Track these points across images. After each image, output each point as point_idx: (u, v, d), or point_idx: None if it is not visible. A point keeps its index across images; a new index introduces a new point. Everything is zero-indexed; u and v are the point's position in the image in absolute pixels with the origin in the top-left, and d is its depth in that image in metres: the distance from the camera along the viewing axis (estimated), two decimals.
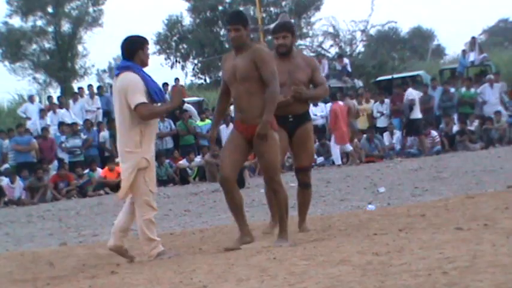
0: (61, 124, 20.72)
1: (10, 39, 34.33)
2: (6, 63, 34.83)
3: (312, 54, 31.59)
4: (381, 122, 21.87)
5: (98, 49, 44.66)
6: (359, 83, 27.84)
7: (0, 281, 6.27)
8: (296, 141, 7.20)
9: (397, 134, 21.11)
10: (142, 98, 6.37)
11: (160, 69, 35.73)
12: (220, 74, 6.80)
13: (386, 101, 22.07)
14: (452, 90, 22.48)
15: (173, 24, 37.82)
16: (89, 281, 5.46)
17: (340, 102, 20.02)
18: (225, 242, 6.89)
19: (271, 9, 37.77)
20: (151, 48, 24.32)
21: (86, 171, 19.45)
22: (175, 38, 37.88)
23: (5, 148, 20.20)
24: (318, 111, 21.23)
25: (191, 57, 37.84)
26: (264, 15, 32.98)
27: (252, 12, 33.48)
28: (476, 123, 21.05)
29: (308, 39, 37.46)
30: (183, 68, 37.81)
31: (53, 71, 34.86)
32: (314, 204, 9.07)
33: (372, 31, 37.60)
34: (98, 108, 22.56)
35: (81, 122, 21.31)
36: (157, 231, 6.63)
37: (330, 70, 26.93)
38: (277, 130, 6.50)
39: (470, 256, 4.36)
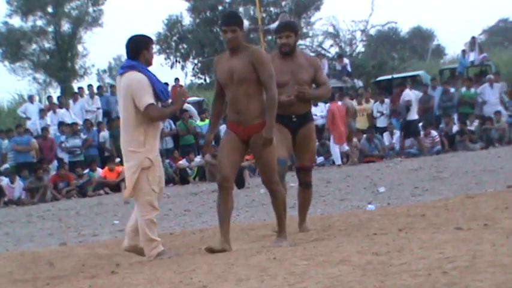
0: (61, 124, 20.73)
1: (10, 39, 34.33)
2: (6, 63, 34.84)
3: (312, 54, 31.57)
4: (381, 122, 21.88)
5: (98, 49, 44.70)
6: (359, 83, 27.84)
7: (0, 281, 6.27)
8: (299, 141, 7.19)
9: (397, 134, 21.12)
10: (151, 99, 6.39)
11: (160, 69, 35.75)
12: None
13: (386, 101, 22.08)
14: (452, 90, 22.48)
15: (173, 24, 37.83)
16: (89, 281, 5.46)
17: (339, 103, 20.04)
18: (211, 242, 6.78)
19: (271, 9, 37.77)
20: None
21: (86, 171, 19.45)
22: (175, 38, 37.89)
23: (4, 148, 20.21)
24: (318, 111, 21.24)
25: (191, 57, 37.85)
26: (264, 15, 32.98)
27: (252, 12, 33.52)
28: (476, 123, 21.06)
29: (308, 39, 37.47)
30: (183, 68, 37.84)
31: (53, 71, 34.86)
32: (314, 204, 9.07)
33: (372, 31, 37.65)
34: (98, 108, 22.56)
35: (81, 122, 21.31)
36: (157, 231, 6.62)
37: (330, 70, 26.93)
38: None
39: (470, 256, 4.36)
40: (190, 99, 24.59)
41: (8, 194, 18.33)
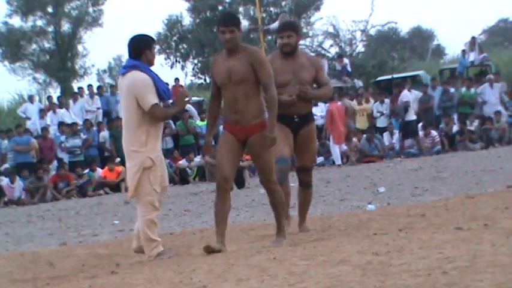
0: (61, 124, 20.73)
1: (10, 39, 34.31)
2: (6, 63, 34.81)
3: (312, 54, 31.57)
4: (381, 122, 21.88)
5: (98, 49, 44.69)
6: (359, 83, 27.85)
7: (0, 281, 6.27)
8: (300, 141, 7.19)
9: (397, 134, 21.13)
10: (155, 99, 6.41)
11: (160, 69, 35.73)
12: None
13: (386, 101, 22.09)
14: (452, 90, 22.48)
15: (173, 24, 37.81)
16: (88, 281, 5.46)
17: (338, 103, 20.05)
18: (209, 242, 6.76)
19: (271, 9, 37.75)
20: None
21: (86, 171, 19.46)
22: (175, 38, 37.88)
23: (4, 148, 20.21)
24: (318, 111, 21.24)
25: (191, 57, 37.83)
26: (264, 15, 32.96)
27: (252, 12, 33.51)
28: (476, 123, 21.06)
29: (308, 39, 37.46)
30: (183, 68, 37.82)
31: (52, 71, 34.84)
32: (314, 204, 9.07)
33: (372, 31, 37.64)
34: (98, 108, 22.56)
35: (81, 122, 21.31)
36: (157, 231, 6.62)
37: (330, 70, 26.93)
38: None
39: (470, 256, 4.36)
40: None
41: (8, 194, 18.33)
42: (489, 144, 20.31)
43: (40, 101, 27.96)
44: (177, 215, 11.56)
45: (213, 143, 7.55)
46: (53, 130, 21.05)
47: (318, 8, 38.07)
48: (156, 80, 6.48)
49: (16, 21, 34.87)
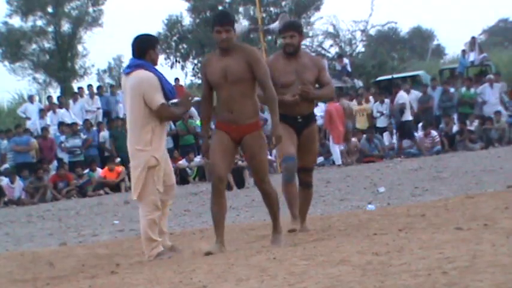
0: (61, 124, 20.73)
1: (10, 39, 34.29)
2: (6, 63, 34.78)
3: (312, 54, 31.56)
4: (381, 122, 21.87)
5: (98, 49, 44.58)
6: (359, 83, 27.84)
7: (0, 281, 6.27)
8: (302, 141, 7.19)
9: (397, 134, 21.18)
10: (162, 98, 6.42)
11: (160, 69, 35.65)
12: None
13: (386, 101, 22.08)
14: (452, 90, 22.48)
15: (173, 24, 37.79)
16: (88, 281, 5.46)
17: (337, 103, 20.05)
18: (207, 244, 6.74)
19: (271, 9, 37.72)
20: None
21: (86, 171, 19.45)
22: (175, 38, 37.86)
23: (3, 149, 20.21)
24: (318, 111, 21.23)
25: (191, 57, 37.81)
26: (264, 15, 32.93)
27: (252, 12, 33.48)
28: (476, 123, 21.06)
29: (308, 39, 37.43)
30: (183, 68, 37.79)
31: (52, 71, 34.81)
32: (314, 204, 9.07)
33: (372, 31, 37.62)
34: (98, 108, 22.56)
35: (81, 122, 21.31)
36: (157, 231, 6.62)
37: (330, 70, 26.92)
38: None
39: (470, 256, 4.36)
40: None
41: (8, 194, 18.33)
42: (489, 144, 20.31)
43: (40, 101, 27.96)
44: (177, 215, 11.56)
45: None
46: (53, 130, 21.06)
47: (318, 8, 38.03)
48: (161, 79, 6.51)
49: (16, 21, 34.87)
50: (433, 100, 22.12)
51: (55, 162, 19.96)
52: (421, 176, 13.68)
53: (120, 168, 19.19)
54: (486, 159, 16.17)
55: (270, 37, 28.85)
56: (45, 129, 20.51)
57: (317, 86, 7.33)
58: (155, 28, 37.71)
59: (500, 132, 20.75)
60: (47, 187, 18.68)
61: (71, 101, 22.87)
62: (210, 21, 6.38)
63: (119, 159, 19.92)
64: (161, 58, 37.52)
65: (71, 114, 21.83)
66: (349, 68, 27.25)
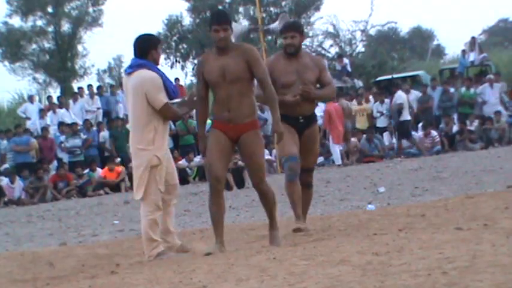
0: (61, 124, 20.73)
1: (10, 39, 34.29)
2: (6, 63, 34.79)
3: (312, 54, 31.53)
4: (381, 122, 21.87)
5: (98, 49, 44.57)
6: (359, 83, 27.84)
7: (0, 281, 6.27)
8: (304, 142, 7.18)
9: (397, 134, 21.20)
10: (166, 98, 6.42)
11: (160, 69, 35.64)
12: None
13: (386, 101, 22.07)
14: (452, 90, 22.48)
15: (173, 24, 37.79)
16: (88, 281, 5.46)
17: (336, 103, 20.06)
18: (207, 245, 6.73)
19: (271, 9, 37.73)
20: None
21: (86, 171, 19.45)
22: (175, 38, 37.86)
23: (3, 149, 20.21)
24: (317, 111, 21.24)
25: (191, 57, 37.81)
26: (264, 15, 32.93)
27: (252, 12, 33.49)
28: (476, 123, 21.06)
29: (308, 39, 37.43)
30: (182, 68, 37.80)
31: (52, 71, 34.81)
32: (314, 204, 9.07)
33: (372, 31, 37.61)
34: (98, 108, 22.57)
35: (81, 122, 21.31)
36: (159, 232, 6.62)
37: (329, 70, 26.90)
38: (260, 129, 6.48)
39: (470, 256, 4.35)
40: None
41: (8, 194, 18.33)
42: (489, 144, 20.31)
43: (40, 101, 27.96)
44: (177, 215, 11.50)
45: None
46: (52, 130, 21.06)
47: (318, 8, 38.04)
48: (164, 79, 6.52)
49: (16, 21, 34.87)
50: (433, 100, 22.13)
51: (55, 162, 19.97)
52: (421, 176, 13.67)
53: (120, 168, 19.19)
54: (486, 159, 16.17)
55: (270, 37, 28.85)
56: (45, 129, 20.51)
57: (318, 86, 7.33)
58: (155, 28, 37.68)
59: (500, 132, 20.74)
60: (47, 187, 18.68)
61: (71, 101, 22.88)
62: (209, 21, 6.33)
63: (119, 159, 19.93)
64: (161, 58, 37.50)
65: (71, 114, 21.83)
66: (349, 68, 27.24)
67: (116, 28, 61.76)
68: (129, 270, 5.89)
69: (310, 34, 36.87)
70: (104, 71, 39.31)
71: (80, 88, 24.63)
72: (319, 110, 21.43)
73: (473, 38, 27.27)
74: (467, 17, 73.42)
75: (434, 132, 20.60)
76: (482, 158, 16.50)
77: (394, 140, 21.15)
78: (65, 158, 20.07)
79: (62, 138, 20.30)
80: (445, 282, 3.81)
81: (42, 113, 21.87)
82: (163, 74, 6.58)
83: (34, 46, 35.24)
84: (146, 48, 6.55)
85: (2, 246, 9.60)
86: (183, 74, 37.33)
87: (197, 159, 19.51)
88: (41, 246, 9.20)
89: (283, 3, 38.14)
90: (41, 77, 35.35)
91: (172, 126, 20.98)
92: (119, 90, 23.54)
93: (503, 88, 22.70)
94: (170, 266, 5.54)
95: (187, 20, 38.20)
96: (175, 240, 6.72)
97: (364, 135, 20.69)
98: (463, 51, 27.16)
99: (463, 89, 22.40)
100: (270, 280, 4.41)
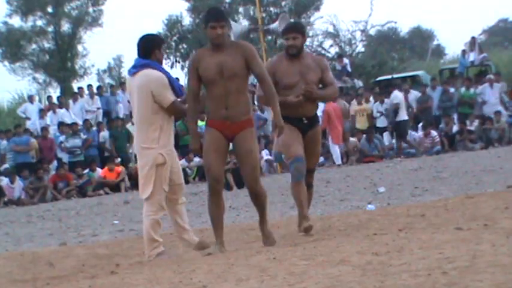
0: (61, 124, 20.73)
1: (10, 39, 34.30)
2: (6, 63, 34.81)
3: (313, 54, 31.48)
4: (381, 122, 21.87)
5: (98, 49, 44.62)
6: (359, 83, 27.84)
7: (0, 281, 6.27)
8: (307, 143, 7.18)
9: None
10: (173, 96, 6.43)
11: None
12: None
13: (387, 100, 22.06)
14: (452, 90, 22.48)
15: (173, 24, 37.80)
16: (88, 281, 5.46)
17: (335, 103, 20.05)
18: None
19: (271, 9, 37.73)
20: None
21: (86, 171, 19.45)
22: (175, 38, 37.87)
23: (3, 149, 20.20)
24: (318, 111, 21.24)
25: (191, 57, 37.84)
26: (264, 15, 32.94)
27: (252, 12, 33.47)
28: (476, 123, 21.06)
29: (308, 39, 37.43)
30: (182, 67, 37.80)
31: (52, 71, 34.83)
32: (314, 204, 9.07)
33: (372, 31, 37.60)
34: (98, 108, 22.57)
35: (80, 122, 21.31)
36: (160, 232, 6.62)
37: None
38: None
39: (470, 256, 4.35)
40: None
41: (8, 194, 18.33)
42: (489, 144, 20.31)
43: (40, 101, 27.96)
44: None
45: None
46: (52, 130, 21.06)
47: (317, 8, 38.05)
48: (170, 77, 6.53)
49: (16, 21, 34.89)
50: (432, 100, 22.13)
51: (55, 162, 19.96)
52: (421, 176, 13.67)
53: (120, 168, 19.19)
54: (486, 159, 16.16)
55: (270, 37, 28.85)
56: (45, 129, 20.51)
57: (320, 86, 7.32)
58: (155, 28, 37.69)
59: (500, 132, 20.74)
60: (47, 187, 18.68)
61: (70, 101, 22.88)
62: (205, 18, 6.31)
63: (118, 159, 19.93)
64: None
65: (71, 114, 21.83)
66: (349, 68, 27.24)
67: (116, 28, 61.80)
68: (129, 270, 5.89)
69: (310, 34, 36.88)
70: (104, 71, 39.33)
71: (79, 88, 24.64)
72: (319, 110, 21.47)
73: (473, 38, 27.27)
74: (467, 17, 73.50)
75: (434, 132, 20.60)
76: (482, 158, 16.50)
77: (394, 140, 21.16)
78: (65, 158, 20.06)
79: (62, 138, 20.30)
80: (445, 282, 3.81)
81: (42, 113, 21.87)
82: (168, 72, 6.60)
83: (34, 46, 35.27)
84: (150, 48, 6.56)
85: (2, 246, 9.59)
86: (183, 74, 37.32)
87: (197, 159, 19.50)
88: (41, 246, 9.20)
89: (283, 3, 38.15)
90: (41, 77, 35.38)
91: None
92: (119, 90, 23.56)
93: (503, 88, 22.69)
94: (170, 266, 5.55)
95: (187, 20, 38.22)
96: (192, 237, 6.73)
97: (364, 135, 20.68)
98: (463, 51, 27.15)
99: (463, 89, 22.39)
100: (270, 280, 4.41)
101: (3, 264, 6.92)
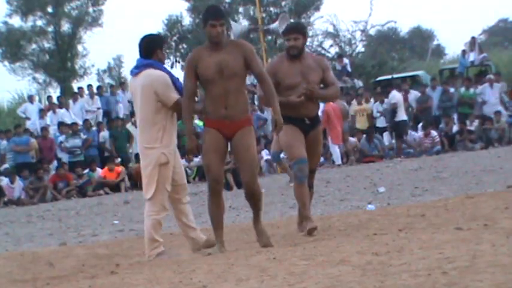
0: (61, 124, 20.73)
1: (10, 39, 34.29)
2: (6, 63, 34.80)
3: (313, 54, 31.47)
4: (381, 122, 21.87)
5: (98, 49, 44.63)
6: (359, 83, 27.84)
7: (0, 281, 6.27)
8: (309, 143, 7.17)
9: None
10: (177, 94, 6.43)
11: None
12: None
13: (387, 100, 22.07)
14: (452, 90, 22.48)
15: (173, 24, 37.80)
16: (88, 281, 5.46)
17: (334, 103, 20.04)
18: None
19: (271, 9, 37.73)
20: None
21: (86, 171, 19.45)
22: (175, 38, 37.88)
23: (3, 149, 20.20)
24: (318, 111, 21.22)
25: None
26: (264, 15, 32.94)
27: (252, 12, 33.50)
28: (476, 123, 21.06)
29: (308, 39, 37.44)
30: (182, 67, 37.80)
31: (52, 71, 34.82)
32: (314, 204, 9.07)
33: (372, 31, 37.61)
34: (98, 108, 22.57)
35: (80, 122, 21.31)
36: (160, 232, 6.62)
37: None
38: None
39: (470, 256, 4.35)
40: None
41: (8, 194, 18.33)
42: (489, 144, 20.31)
43: (40, 101, 27.96)
44: None
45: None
46: (52, 130, 21.05)
47: (317, 8, 38.05)
48: (172, 77, 6.54)
49: (16, 21, 34.88)
50: (432, 100, 22.13)
51: (55, 162, 19.96)
52: (421, 176, 13.67)
53: (120, 168, 19.19)
54: (486, 159, 16.16)
55: (270, 37, 28.85)
56: (45, 129, 20.51)
57: (321, 86, 7.32)
58: (155, 28, 37.68)
59: (500, 132, 20.74)
60: (46, 187, 18.68)
61: (70, 101, 22.88)
62: (204, 16, 6.28)
63: (118, 159, 19.92)
64: None
65: (71, 114, 21.83)
66: (349, 68, 27.24)
67: (116, 28, 61.79)
68: (129, 270, 5.89)
69: (310, 34, 36.89)
70: (104, 71, 39.31)
71: (79, 88, 24.63)
72: (319, 110, 21.46)
73: (473, 38, 27.26)
74: (467, 17, 73.47)
75: (434, 132, 20.60)
76: (482, 158, 16.49)
77: (394, 140, 21.17)
78: (65, 158, 20.06)
79: (62, 138, 20.30)
80: (445, 282, 3.81)
81: (42, 113, 21.87)
82: (170, 72, 6.61)
83: (34, 46, 35.26)
84: (152, 48, 6.57)
85: (2, 246, 9.59)
86: (183, 74, 37.34)
87: (197, 159, 19.50)
88: (41, 246, 9.20)
89: (283, 3, 38.15)
90: (41, 77, 35.37)
91: None
92: (119, 90, 23.56)
93: (503, 88, 22.68)
94: (170, 266, 5.55)
95: (187, 20, 38.22)
96: (200, 235, 6.73)
97: (364, 135, 20.68)
98: (463, 51, 27.15)
99: (463, 89, 22.39)
100: (270, 280, 4.41)
101: (3, 264, 6.92)
